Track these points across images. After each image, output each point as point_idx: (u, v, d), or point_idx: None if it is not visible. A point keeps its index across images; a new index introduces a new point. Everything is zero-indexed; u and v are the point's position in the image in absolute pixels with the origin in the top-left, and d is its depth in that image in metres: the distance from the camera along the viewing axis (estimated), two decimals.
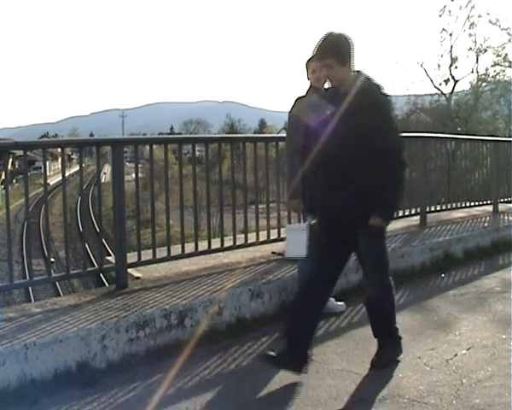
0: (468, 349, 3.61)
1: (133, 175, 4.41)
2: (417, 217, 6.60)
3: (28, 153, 4.20)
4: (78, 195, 34.66)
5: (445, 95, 26.64)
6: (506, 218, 7.44)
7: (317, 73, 3.98)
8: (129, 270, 4.24)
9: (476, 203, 7.73)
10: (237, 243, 4.95)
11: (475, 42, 25.16)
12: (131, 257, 4.28)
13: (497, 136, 12.76)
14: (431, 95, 27.24)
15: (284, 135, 4.47)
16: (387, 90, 3.25)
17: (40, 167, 35.60)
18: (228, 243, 4.91)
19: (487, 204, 7.84)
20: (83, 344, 3.26)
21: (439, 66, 25.97)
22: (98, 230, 18.52)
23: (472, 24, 24.85)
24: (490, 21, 25.53)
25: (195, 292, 3.99)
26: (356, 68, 3.25)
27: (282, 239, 4.77)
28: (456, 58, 25.48)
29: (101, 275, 5.79)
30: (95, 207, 32.91)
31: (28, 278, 5.20)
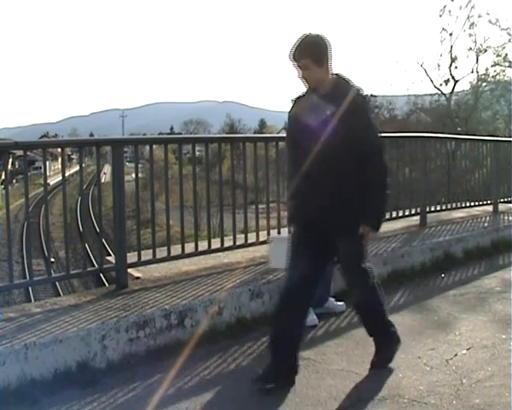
0: (468, 349, 3.61)
1: (133, 175, 4.41)
2: (417, 217, 6.60)
3: (28, 153, 4.20)
4: (78, 195, 34.63)
5: (444, 95, 26.63)
6: (506, 218, 7.44)
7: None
8: (129, 270, 4.24)
9: (476, 203, 7.74)
10: (237, 243, 4.95)
11: (475, 42, 25.18)
12: (131, 257, 4.28)
13: (497, 136, 12.76)
14: (431, 95, 27.24)
15: (284, 135, 4.47)
16: (366, 92, 3.20)
17: (40, 167, 35.56)
18: (228, 243, 4.91)
19: (487, 204, 7.85)
20: (83, 344, 3.26)
21: (438, 66, 25.99)
22: (98, 230, 18.51)
23: (472, 24, 24.86)
24: (490, 21, 25.53)
25: (195, 292, 3.99)
26: (335, 71, 3.17)
27: None
28: (456, 58, 25.49)
29: (101, 275, 5.78)
30: (95, 207, 32.89)
31: (28, 278, 5.20)
